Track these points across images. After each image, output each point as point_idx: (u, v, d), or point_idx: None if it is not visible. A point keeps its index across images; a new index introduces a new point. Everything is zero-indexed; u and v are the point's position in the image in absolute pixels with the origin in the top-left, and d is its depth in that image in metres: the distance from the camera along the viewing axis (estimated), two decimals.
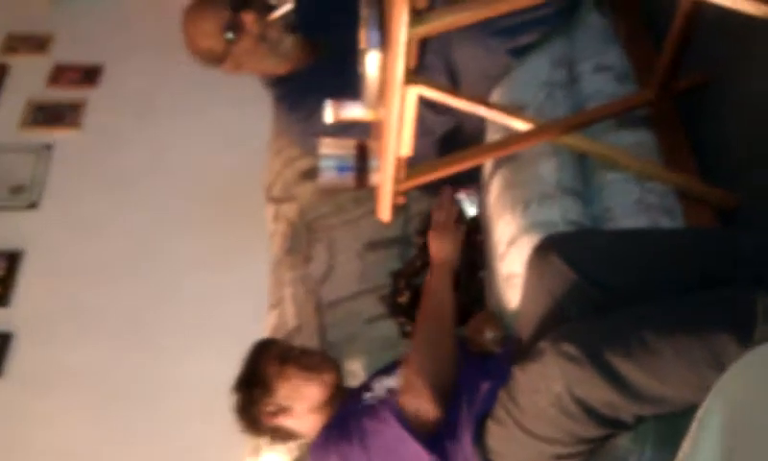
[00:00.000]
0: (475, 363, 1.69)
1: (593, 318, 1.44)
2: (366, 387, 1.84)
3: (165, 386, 2.46)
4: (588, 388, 1.32)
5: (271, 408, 1.84)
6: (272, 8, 2.17)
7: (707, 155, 1.87)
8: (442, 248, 1.87)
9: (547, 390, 1.35)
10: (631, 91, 1.96)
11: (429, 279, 1.82)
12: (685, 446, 0.99)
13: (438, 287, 1.78)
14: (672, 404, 1.32)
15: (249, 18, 2.10)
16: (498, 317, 1.82)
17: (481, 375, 1.62)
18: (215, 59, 2.15)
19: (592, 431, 1.37)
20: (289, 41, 2.18)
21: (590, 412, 1.34)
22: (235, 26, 2.09)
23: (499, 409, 1.47)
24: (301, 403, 1.83)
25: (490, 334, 1.76)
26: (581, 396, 1.33)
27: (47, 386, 2.48)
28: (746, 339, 1.25)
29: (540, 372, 1.37)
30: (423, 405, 1.59)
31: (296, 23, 2.19)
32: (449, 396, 1.60)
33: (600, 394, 1.32)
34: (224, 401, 1.88)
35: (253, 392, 1.84)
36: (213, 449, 2.28)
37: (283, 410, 1.84)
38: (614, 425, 1.37)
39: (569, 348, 1.33)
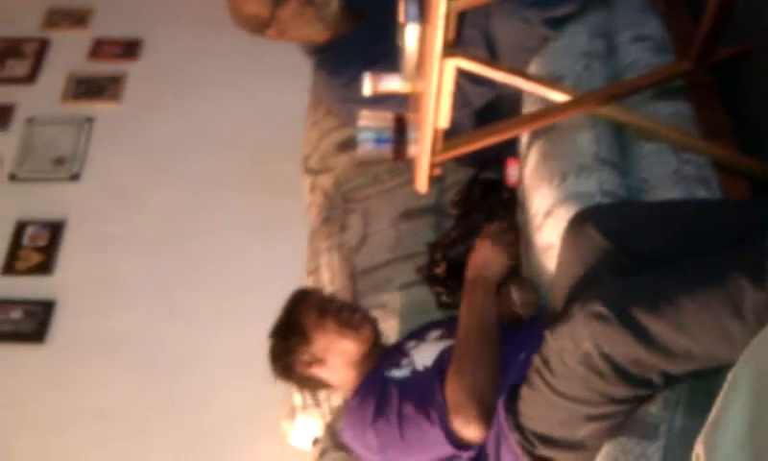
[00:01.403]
0: (510, 335, 1.70)
1: (622, 279, 1.45)
2: (401, 350, 1.85)
3: (203, 353, 2.51)
4: (615, 344, 1.33)
5: (306, 357, 1.85)
6: None
7: (744, 126, 1.86)
8: (487, 264, 1.80)
9: (576, 349, 1.36)
10: (669, 62, 1.95)
11: (470, 295, 1.76)
12: (715, 409, 1.00)
13: (479, 304, 1.73)
14: (697, 359, 1.33)
15: None
16: (529, 281, 1.83)
17: (516, 346, 1.64)
18: (260, 24, 2.14)
19: (621, 391, 1.37)
20: (334, 6, 2.18)
21: (618, 370, 1.34)
22: None
23: (531, 373, 1.49)
24: (336, 357, 1.84)
25: (515, 294, 1.77)
26: (608, 352, 1.33)
27: (88, 352, 2.54)
28: (760, 281, 1.25)
29: (569, 332, 1.38)
30: (473, 430, 1.59)
31: None
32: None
33: (627, 350, 1.33)
34: (261, 368, 1.91)
35: (290, 339, 1.85)
36: (250, 414, 2.33)
37: (318, 361, 1.85)
38: (643, 384, 1.37)
39: (597, 306, 1.34)
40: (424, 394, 1.67)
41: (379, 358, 1.86)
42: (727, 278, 1.29)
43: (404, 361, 1.80)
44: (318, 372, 1.87)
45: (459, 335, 1.69)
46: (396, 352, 1.86)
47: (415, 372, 1.76)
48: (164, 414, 2.42)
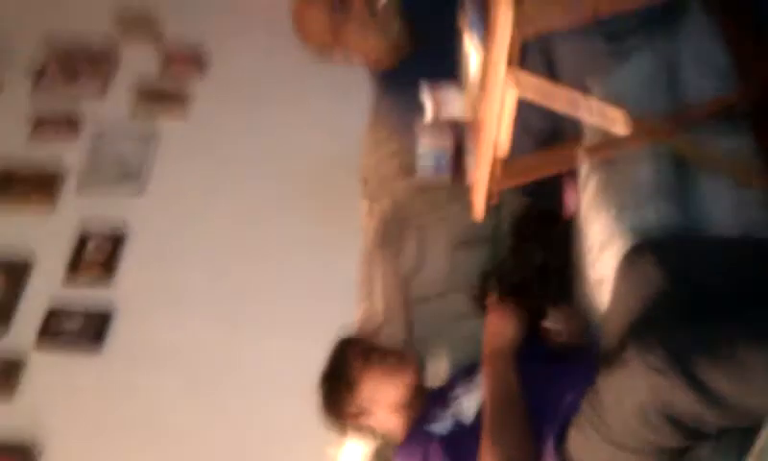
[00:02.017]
0: (557, 374, 1.68)
1: (680, 324, 1.41)
2: (447, 397, 1.83)
3: (258, 367, 2.52)
4: (672, 398, 1.30)
5: (353, 409, 1.87)
6: None
7: None
8: (499, 335, 1.78)
9: (631, 400, 1.34)
10: (734, 92, 1.91)
11: (489, 369, 1.73)
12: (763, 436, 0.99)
13: (500, 377, 1.70)
14: (756, 416, 1.29)
15: None
16: (568, 308, 1.80)
17: (563, 386, 1.62)
18: (326, 42, 2.17)
19: (674, 442, 1.35)
20: (396, 25, 2.20)
21: (674, 422, 1.32)
22: (344, 4, 2.12)
23: (582, 416, 1.47)
24: (383, 404, 1.86)
25: (557, 325, 1.74)
26: (665, 406, 1.31)
27: (144, 363, 2.58)
28: None
29: (624, 381, 1.36)
30: None
31: (403, 8, 2.20)
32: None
33: (685, 406, 1.30)
34: (310, 387, 1.94)
35: (336, 392, 1.88)
36: (302, 430, 2.32)
37: (364, 411, 1.87)
38: (697, 437, 1.34)
39: (655, 358, 1.31)
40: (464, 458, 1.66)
41: (426, 403, 1.85)
42: None
43: (447, 412, 1.78)
44: (366, 421, 1.88)
45: (485, 410, 1.67)
46: (440, 400, 1.84)
47: (459, 424, 1.75)
48: (218, 424, 2.45)
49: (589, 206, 1.85)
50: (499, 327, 1.78)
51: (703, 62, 1.99)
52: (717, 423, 1.31)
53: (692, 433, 1.33)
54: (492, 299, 1.87)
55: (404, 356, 1.94)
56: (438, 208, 2.37)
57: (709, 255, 1.51)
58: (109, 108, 3.22)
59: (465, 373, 1.91)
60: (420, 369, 1.93)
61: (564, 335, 1.75)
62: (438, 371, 2.03)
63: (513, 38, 1.34)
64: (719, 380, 1.28)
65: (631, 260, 1.53)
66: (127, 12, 3.45)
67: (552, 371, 1.68)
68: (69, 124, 3.16)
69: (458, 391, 1.83)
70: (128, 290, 2.76)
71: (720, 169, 1.74)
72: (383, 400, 1.85)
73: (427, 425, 1.78)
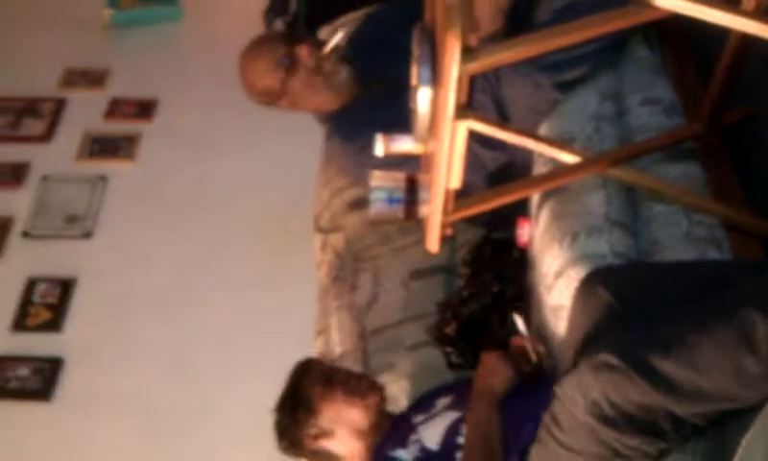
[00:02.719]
0: (519, 404, 1.68)
1: (627, 329, 1.43)
2: (409, 424, 1.82)
3: (211, 412, 2.49)
4: (622, 390, 1.31)
5: (313, 431, 1.83)
6: (325, 43, 2.24)
7: (755, 187, 1.86)
8: (493, 375, 1.75)
9: (584, 399, 1.34)
10: (679, 124, 1.96)
11: (475, 407, 1.71)
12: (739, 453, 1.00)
13: (484, 418, 1.68)
14: (708, 397, 1.29)
15: (303, 51, 2.17)
16: (531, 333, 1.82)
17: (524, 414, 1.62)
18: (273, 96, 2.21)
19: (630, 440, 1.35)
20: (343, 73, 2.24)
21: (626, 417, 1.33)
22: (291, 60, 2.15)
23: (541, 431, 1.47)
24: (344, 427, 1.83)
25: (527, 344, 1.75)
26: (616, 400, 1.31)
27: (95, 411, 2.53)
28: None
29: (576, 382, 1.37)
30: None
31: (349, 56, 2.24)
32: None
33: (634, 394, 1.30)
34: (270, 428, 1.90)
35: (297, 413, 1.84)
36: None
37: (325, 433, 1.83)
38: (651, 431, 1.35)
39: (604, 356, 1.32)
40: None
41: (388, 430, 1.84)
42: (735, 312, 1.27)
43: (412, 437, 1.78)
44: (326, 445, 1.85)
45: (465, 450, 1.67)
46: (403, 425, 1.84)
47: (423, 451, 1.74)
48: None
49: (543, 235, 1.88)
50: (494, 369, 1.75)
51: (645, 94, 2.05)
52: (669, 410, 1.31)
53: (647, 427, 1.33)
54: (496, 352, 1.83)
55: (367, 379, 1.93)
56: (391, 241, 2.39)
57: (661, 280, 1.54)
58: (56, 152, 3.21)
59: (425, 400, 1.91)
60: (383, 392, 1.91)
61: (534, 355, 1.76)
62: (395, 400, 2.02)
63: (461, 73, 1.36)
64: (669, 366, 1.28)
65: (585, 288, 1.55)
66: (75, 65, 3.47)
67: (512, 399, 1.69)
68: (14, 169, 3.12)
69: (419, 417, 1.83)
70: (78, 336, 2.71)
71: (669, 196, 1.78)
72: (346, 422, 1.83)
73: (391, 451, 1.77)
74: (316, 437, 1.84)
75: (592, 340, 1.48)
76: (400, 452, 1.76)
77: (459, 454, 1.68)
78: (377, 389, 1.90)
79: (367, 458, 1.83)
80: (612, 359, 1.31)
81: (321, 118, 2.37)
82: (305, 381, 1.87)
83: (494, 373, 1.74)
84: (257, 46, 2.24)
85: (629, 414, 1.32)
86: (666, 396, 1.30)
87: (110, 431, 2.48)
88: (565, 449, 1.41)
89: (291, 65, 2.16)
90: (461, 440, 1.69)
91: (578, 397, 1.36)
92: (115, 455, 2.44)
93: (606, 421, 1.33)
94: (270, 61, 2.19)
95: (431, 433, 1.76)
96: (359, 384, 1.87)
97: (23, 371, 2.60)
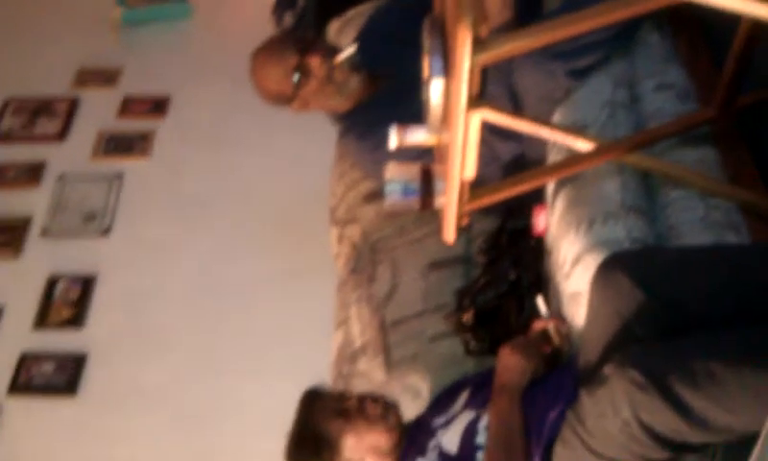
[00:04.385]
0: (539, 393, 1.69)
1: (660, 341, 1.44)
2: (429, 428, 1.81)
3: (234, 405, 2.51)
4: (654, 415, 1.33)
5: None
6: (336, 50, 2.24)
7: None
8: (512, 369, 1.72)
9: (614, 415, 1.36)
10: (692, 109, 1.96)
11: (497, 402, 1.70)
12: (753, 456, 1.01)
13: (506, 413, 1.66)
14: (738, 433, 1.33)
15: (315, 62, 2.17)
16: (555, 315, 1.82)
17: (546, 404, 1.63)
18: (283, 100, 2.22)
19: (660, 454, 1.37)
20: (354, 81, 2.24)
21: (658, 438, 1.34)
22: (302, 69, 2.16)
23: (567, 431, 1.48)
24: (370, 454, 1.80)
25: (552, 329, 1.75)
26: (648, 422, 1.33)
27: (118, 405, 2.56)
28: None
29: (606, 397, 1.38)
30: None
31: (360, 63, 2.24)
32: None
33: (666, 421, 1.33)
34: (290, 419, 1.90)
35: (321, 453, 1.79)
36: None
37: None
38: (683, 449, 1.37)
39: (635, 374, 1.34)
40: None
41: (407, 439, 1.83)
42: (765, 350, 1.29)
43: (431, 443, 1.77)
44: None
45: (488, 444, 1.66)
46: (423, 431, 1.82)
47: (442, 456, 1.74)
48: None
49: (559, 223, 1.88)
50: (513, 363, 1.73)
51: (658, 80, 2.05)
52: (700, 439, 1.34)
53: (677, 446, 1.35)
54: (519, 340, 1.81)
55: (379, 398, 1.89)
56: (407, 233, 2.39)
57: (679, 265, 1.54)
58: (72, 151, 3.23)
59: (444, 398, 1.91)
60: (397, 409, 1.89)
61: (558, 342, 1.76)
62: (418, 392, 2.04)
63: (472, 64, 1.37)
64: (698, 401, 1.31)
65: (603, 275, 1.56)
66: (88, 64, 3.49)
67: (533, 388, 1.69)
68: (30, 169, 3.15)
69: (439, 420, 1.83)
70: (100, 332, 2.74)
71: (685, 181, 1.78)
72: (370, 449, 1.80)
73: None
74: None
75: (620, 337, 1.48)
76: None
77: (479, 454, 1.67)
78: (393, 407, 1.87)
79: None
80: (642, 379, 1.32)
81: (334, 118, 2.38)
82: (319, 417, 1.83)
83: (511, 367, 1.72)
84: (268, 53, 2.24)
85: (660, 435, 1.34)
86: (698, 429, 1.32)
87: (135, 425, 2.51)
88: (594, 455, 1.42)
89: (302, 76, 2.16)
90: (479, 440, 1.69)
91: (609, 411, 1.37)
92: (140, 449, 2.47)
93: (636, 439, 1.35)
94: (281, 70, 2.19)
95: (450, 437, 1.75)
96: (376, 408, 1.83)
97: (47, 367, 2.63)
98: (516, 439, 1.63)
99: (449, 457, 1.72)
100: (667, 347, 1.42)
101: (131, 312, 2.77)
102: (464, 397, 1.84)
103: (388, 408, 1.86)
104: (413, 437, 1.83)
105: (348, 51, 2.21)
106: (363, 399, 1.86)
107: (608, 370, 1.39)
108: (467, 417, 1.76)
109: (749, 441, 1.09)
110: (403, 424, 1.88)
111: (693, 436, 1.33)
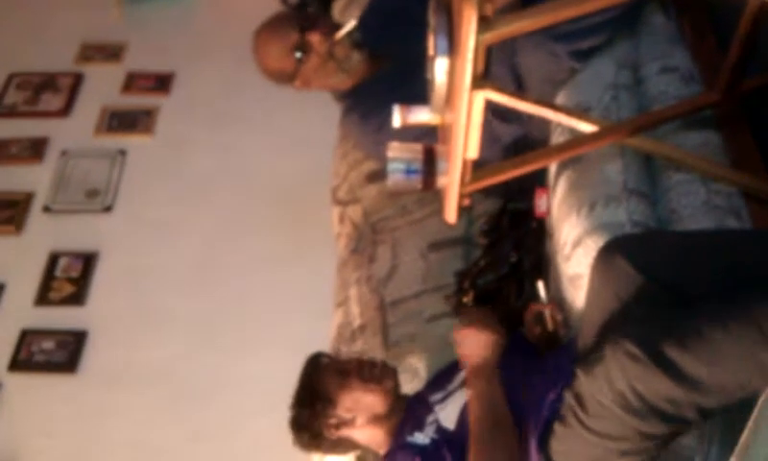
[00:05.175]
0: (538, 375, 1.69)
1: (652, 315, 1.45)
2: (426, 404, 1.83)
3: (234, 383, 2.53)
4: (648, 384, 1.33)
5: (333, 420, 1.84)
6: (337, 26, 2.24)
7: None
8: (477, 352, 1.76)
9: (610, 389, 1.36)
10: (696, 92, 1.95)
11: (473, 388, 1.72)
12: (746, 432, 1.01)
13: (486, 394, 1.68)
14: (730, 390, 1.32)
15: (316, 38, 2.17)
16: (551, 300, 1.83)
17: (544, 385, 1.63)
18: (285, 78, 2.22)
19: (657, 428, 1.37)
20: (356, 58, 2.24)
21: (653, 409, 1.34)
22: (303, 46, 2.16)
23: (565, 410, 1.48)
24: (364, 414, 1.84)
25: (549, 315, 1.76)
26: (643, 392, 1.33)
27: (119, 382, 2.58)
28: None
29: (602, 372, 1.38)
30: None
31: (361, 39, 2.24)
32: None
33: (661, 388, 1.33)
34: (289, 399, 1.92)
35: (315, 406, 1.84)
36: (281, 445, 2.33)
37: (345, 422, 1.84)
38: (678, 421, 1.37)
39: (629, 346, 1.34)
40: None
41: (405, 412, 1.85)
42: (754, 308, 1.29)
43: (429, 418, 1.79)
44: (346, 433, 1.86)
45: (472, 429, 1.66)
46: (420, 406, 1.84)
47: (441, 431, 1.75)
48: (194, 443, 2.44)
49: (561, 205, 1.88)
50: (475, 346, 1.77)
51: (662, 63, 2.04)
52: (694, 403, 1.33)
53: (674, 419, 1.35)
54: (464, 314, 1.86)
55: (381, 364, 1.93)
56: (408, 213, 2.40)
57: (680, 249, 1.54)
58: (75, 127, 3.23)
59: (442, 376, 1.92)
60: (396, 374, 1.92)
61: (553, 327, 1.77)
62: (415, 371, 2.04)
63: (477, 43, 1.36)
64: (693, 364, 1.31)
65: (603, 258, 1.56)
66: (92, 40, 3.48)
67: (530, 368, 1.70)
68: (33, 144, 3.15)
69: (437, 396, 1.84)
70: (101, 309, 2.75)
71: (687, 165, 1.78)
72: (365, 409, 1.84)
73: (410, 436, 1.78)
74: (336, 427, 1.85)
75: (617, 318, 1.49)
76: (418, 436, 1.77)
77: None
78: (391, 372, 1.90)
79: (387, 443, 1.84)
80: (635, 350, 1.33)
81: (336, 96, 2.38)
82: (319, 375, 1.88)
83: (473, 349, 1.75)
84: (270, 30, 2.24)
85: (656, 406, 1.34)
86: (691, 391, 1.32)
87: (135, 402, 2.53)
88: (592, 433, 1.42)
89: (303, 53, 2.16)
90: None
91: (604, 386, 1.37)
92: (140, 426, 2.49)
93: (632, 411, 1.35)
94: (282, 47, 2.19)
95: (448, 412, 1.77)
96: (373, 370, 1.87)
97: (48, 344, 2.65)
98: (502, 419, 1.65)
99: (447, 433, 1.73)
100: (658, 318, 1.42)
101: (132, 289, 2.79)
102: (461, 375, 1.85)
103: (385, 373, 1.89)
104: (411, 410, 1.85)
105: (349, 26, 2.20)
106: (361, 361, 1.92)
107: (604, 348, 1.40)
108: (464, 396, 1.77)
109: (745, 425, 1.09)
110: (400, 393, 1.90)
111: (687, 402, 1.33)
